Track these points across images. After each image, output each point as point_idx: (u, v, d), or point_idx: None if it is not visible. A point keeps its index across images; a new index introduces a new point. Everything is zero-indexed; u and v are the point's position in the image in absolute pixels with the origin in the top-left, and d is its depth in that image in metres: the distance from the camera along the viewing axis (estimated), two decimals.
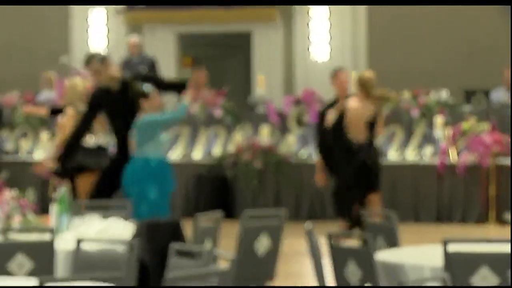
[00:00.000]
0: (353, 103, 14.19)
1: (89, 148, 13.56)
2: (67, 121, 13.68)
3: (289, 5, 22.17)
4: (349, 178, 13.91)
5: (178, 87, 13.23)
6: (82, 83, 14.10)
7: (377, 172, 14.16)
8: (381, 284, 7.74)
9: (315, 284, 8.84)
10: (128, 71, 20.20)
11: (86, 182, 13.14)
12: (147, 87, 12.52)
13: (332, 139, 14.22)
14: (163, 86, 13.14)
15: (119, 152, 12.87)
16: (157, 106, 13.04)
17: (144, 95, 12.33)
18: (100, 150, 13.63)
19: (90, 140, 13.62)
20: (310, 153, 19.22)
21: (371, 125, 14.16)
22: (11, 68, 21.75)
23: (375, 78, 14.39)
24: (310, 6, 22.22)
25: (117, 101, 12.33)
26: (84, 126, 12.75)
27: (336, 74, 15.20)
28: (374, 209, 13.19)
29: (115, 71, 12.56)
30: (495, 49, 20.56)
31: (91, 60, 12.55)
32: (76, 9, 22.97)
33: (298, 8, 22.36)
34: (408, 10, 21.00)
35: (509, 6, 20.37)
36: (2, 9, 21.86)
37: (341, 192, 14.14)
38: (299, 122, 19.55)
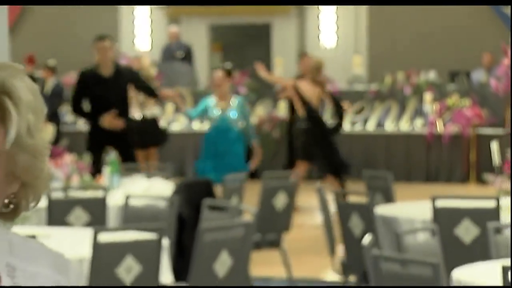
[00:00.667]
0: (304, 83, 14.08)
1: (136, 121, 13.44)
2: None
3: (298, 5, 22.16)
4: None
5: (150, 93, 12.66)
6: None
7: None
8: (379, 233, 7.66)
9: (324, 234, 8.78)
10: (168, 55, 20.21)
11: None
12: None
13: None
14: (150, 92, 12.59)
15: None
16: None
17: None
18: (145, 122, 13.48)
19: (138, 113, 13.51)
20: None
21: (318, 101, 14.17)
22: (70, 52, 21.65)
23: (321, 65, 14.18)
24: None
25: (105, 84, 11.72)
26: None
27: (303, 57, 15.09)
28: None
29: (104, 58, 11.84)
30: (475, 36, 20.47)
31: (94, 43, 11.91)
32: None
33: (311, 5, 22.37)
34: (403, 6, 20.89)
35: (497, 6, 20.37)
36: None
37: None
38: None
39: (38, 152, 2.05)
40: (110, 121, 11.36)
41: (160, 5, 22.40)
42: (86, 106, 11.65)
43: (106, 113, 11.33)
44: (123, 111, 11.57)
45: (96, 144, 11.28)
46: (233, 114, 12.14)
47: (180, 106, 14.02)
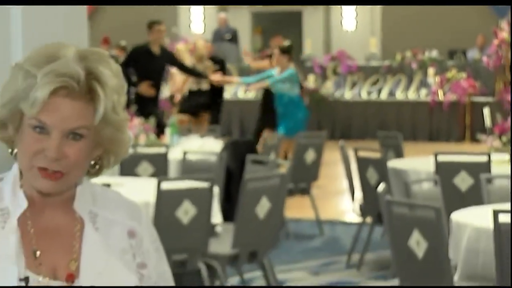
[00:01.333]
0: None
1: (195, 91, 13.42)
2: (176, 72, 13.65)
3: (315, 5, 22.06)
4: None
5: (194, 74, 12.78)
6: (185, 47, 14.02)
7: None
8: (391, 182, 7.64)
9: (346, 183, 8.76)
10: (218, 37, 20.17)
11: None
12: None
13: None
14: (185, 70, 12.73)
15: None
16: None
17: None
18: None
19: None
20: (342, 94, 19.20)
21: None
22: (138, 35, 21.62)
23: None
24: None
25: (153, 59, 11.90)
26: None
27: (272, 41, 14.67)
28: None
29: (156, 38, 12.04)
30: (470, 22, 20.33)
31: (152, 25, 12.08)
32: None
33: None
34: None
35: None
36: None
37: None
38: (334, 72, 19.45)
39: (120, 126, 2.05)
40: (145, 88, 11.72)
41: (212, 5, 22.40)
42: (133, 77, 11.91)
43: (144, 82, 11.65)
44: (159, 83, 11.87)
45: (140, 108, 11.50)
46: (283, 83, 12.11)
47: (229, 82, 13.93)
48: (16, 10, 3.09)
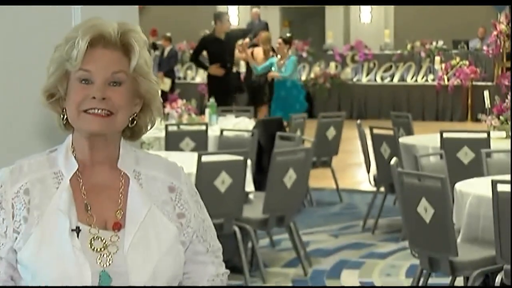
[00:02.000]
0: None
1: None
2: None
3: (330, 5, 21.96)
4: None
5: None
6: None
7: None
8: (402, 156, 7.61)
9: (362, 157, 8.74)
10: (252, 30, 20.12)
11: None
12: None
13: None
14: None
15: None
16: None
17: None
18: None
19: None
20: (359, 78, 19.16)
21: None
22: (181, 27, 21.66)
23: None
24: None
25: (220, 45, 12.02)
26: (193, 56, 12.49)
27: (259, 34, 14.45)
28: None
29: (226, 27, 12.23)
30: (472, 15, 20.16)
31: (218, 17, 12.27)
32: None
33: None
34: None
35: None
36: None
37: None
38: (353, 60, 19.39)
39: (153, 79, 2.07)
40: (215, 69, 11.77)
41: (245, 5, 22.33)
42: (204, 62, 12.25)
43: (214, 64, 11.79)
44: (227, 64, 11.86)
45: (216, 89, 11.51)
46: (285, 69, 12.22)
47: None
48: (76, 9, 3.10)
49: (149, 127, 2.12)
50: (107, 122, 1.99)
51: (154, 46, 18.01)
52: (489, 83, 17.16)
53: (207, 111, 9.13)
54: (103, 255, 1.99)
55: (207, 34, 12.70)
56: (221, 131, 8.17)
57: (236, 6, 22.98)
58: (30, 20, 3.03)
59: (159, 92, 2.11)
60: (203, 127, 8.29)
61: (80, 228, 1.99)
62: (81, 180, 2.05)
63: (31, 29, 3.03)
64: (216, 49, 11.80)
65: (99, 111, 1.98)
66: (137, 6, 3.25)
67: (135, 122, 2.09)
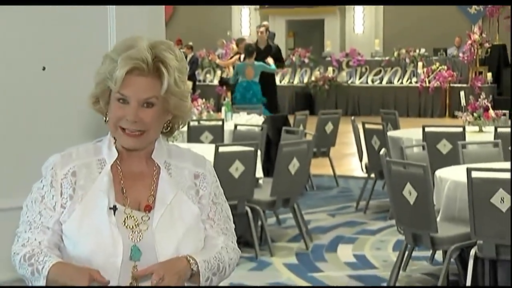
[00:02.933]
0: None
1: None
2: (226, 62, 13.43)
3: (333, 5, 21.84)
4: None
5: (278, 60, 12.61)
6: (236, 45, 13.94)
7: None
8: (390, 147, 7.58)
9: (356, 148, 8.71)
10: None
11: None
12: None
13: None
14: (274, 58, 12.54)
15: None
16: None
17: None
18: None
19: None
20: (353, 81, 19.11)
21: None
22: (201, 37, 21.65)
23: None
24: (355, 6, 21.84)
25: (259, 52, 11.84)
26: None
27: (240, 41, 14.22)
28: None
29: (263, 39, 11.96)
30: (450, 26, 20.06)
31: (260, 26, 12.19)
32: (235, 6, 22.94)
33: (348, 6, 22.00)
34: (407, 7, 20.54)
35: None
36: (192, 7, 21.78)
37: None
38: (347, 65, 19.34)
39: (183, 96, 2.08)
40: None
41: (258, 4, 22.27)
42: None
43: None
44: None
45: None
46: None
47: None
48: (111, 9, 3.09)
49: (181, 127, 2.15)
50: (140, 140, 2.04)
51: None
52: (464, 85, 17.11)
53: (223, 109, 9.12)
54: (135, 232, 2.01)
55: (250, 44, 12.18)
56: (235, 126, 8.15)
57: (248, 19, 22.93)
58: (70, 20, 3.01)
59: (190, 106, 2.12)
60: (220, 123, 8.28)
61: (117, 207, 2.02)
62: (120, 168, 2.08)
63: (72, 29, 3.01)
64: (256, 57, 11.62)
65: (131, 131, 2.02)
66: (163, 7, 3.24)
67: (168, 127, 2.12)
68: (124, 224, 2.01)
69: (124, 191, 2.05)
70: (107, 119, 2.07)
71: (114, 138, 2.09)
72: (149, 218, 2.03)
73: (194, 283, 2.04)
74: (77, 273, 1.94)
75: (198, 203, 2.10)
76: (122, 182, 2.06)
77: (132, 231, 2.01)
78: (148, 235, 2.01)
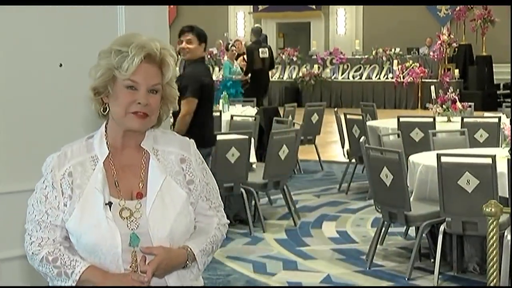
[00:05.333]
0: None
1: None
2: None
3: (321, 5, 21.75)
4: None
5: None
6: (235, 47, 13.79)
7: None
8: (369, 135, 7.56)
9: (338, 136, 8.70)
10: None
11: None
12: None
13: None
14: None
15: None
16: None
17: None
18: None
19: None
20: (336, 77, 19.07)
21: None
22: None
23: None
24: (338, 7, 21.72)
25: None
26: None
27: (236, 41, 14.22)
28: None
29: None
30: (422, 28, 20.01)
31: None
32: (231, 9, 22.79)
33: (331, 8, 21.88)
34: (384, 11, 20.47)
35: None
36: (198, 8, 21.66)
37: None
38: (331, 62, 19.28)
39: (175, 87, 2.07)
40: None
41: (255, 4, 22.17)
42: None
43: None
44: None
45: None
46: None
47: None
48: (120, 9, 3.06)
49: (165, 118, 2.10)
50: (145, 122, 2.00)
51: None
52: (435, 80, 17.07)
53: (220, 101, 9.08)
54: (131, 221, 1.98)
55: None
56: (231, 116, 8.13)
57: (243, 22, 22.81)
58: (83, 20, 2.99)
59: (178, 94, 2.10)
60: (218, 114, 8.23)
61: (112, 202, 1.98)
62: (112, 162, 2.02)
63: (85, 28, 2.99)
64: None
65: (141, 114, 1.98)
66: (166, 6, 3.22)
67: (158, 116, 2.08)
68: (120, 216, 1.98)
69: (117, 184, 2.00)
70: (108, 109, 2.01)
71: (106, 133, 2.04)
72: (141, 205, 1.99)
73: (193, 269, 2.06)
74: (113, 277, 1.94)
75: (186, 188, 2.06)
76: (114, 175, 2.01)
77: (129, 221, 1.98)
78: (143, 222, 1.98)
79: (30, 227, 2.03)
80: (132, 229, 1.98)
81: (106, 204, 1.98)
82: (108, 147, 2.03)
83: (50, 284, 2.02)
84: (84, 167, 2.01)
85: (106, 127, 2.06)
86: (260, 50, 12.37)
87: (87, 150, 2.04)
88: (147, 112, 1.98)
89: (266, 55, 12.34)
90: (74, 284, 1.95)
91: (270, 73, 13.10)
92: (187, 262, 2.02)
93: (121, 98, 1.98)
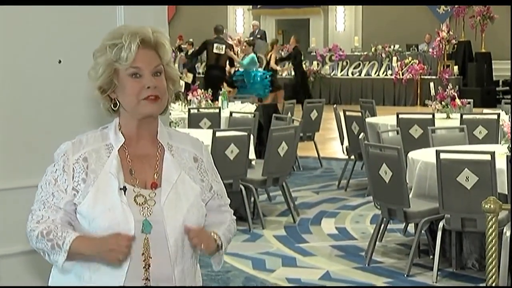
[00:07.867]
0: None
1: None
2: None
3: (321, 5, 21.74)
4: None
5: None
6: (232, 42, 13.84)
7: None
8: (368, 132, 7.56)
9: (337, 132, 8.69)
10: (253, 36, 19.99)
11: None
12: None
13: None
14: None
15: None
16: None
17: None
18: None
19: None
20: (335, 73, 19.06)
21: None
22: (201, 34, 21.53)
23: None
24: (337, 6, 21.74)
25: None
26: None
27: (273, 44, 14.56)
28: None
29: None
30: (421, 25, 20.00)
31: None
32: (230, 6, 22.80)
33: (330, 7, 21.88)
34: (383, 9, 20.46)
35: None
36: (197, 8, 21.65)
37: None
38: (330, 59, 19.28)
39: (176, 68, 2.10)
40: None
41: (252, 5, 22.17)
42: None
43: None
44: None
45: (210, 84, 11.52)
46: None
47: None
48: (120, 8, 3.06)
49: (170, 100, 2.12)
50: (158, 105, 2.02)
51: (179, 49, 17.91)
52: (434, 77, 17.09)
53: (220, 98, 9.09)
54: (145, 208, 2.00)
55: (209, 39, 12.50)
56: (231, 113, 8.13)
57: (242, 19, 22.80)
58: (83, 18, 2.99)
59: (179, 77, 2.13)
60: (217, 110, 8.25)
61: (126, 187, 2.01)
62: (127, 151, 2.05)
63: (85, 26, 2.99)
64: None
65: (154, 97, 2.00)
66: (166, 6, 3.22)
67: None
68: (135, 201, 2.00)
69: (133, 172, 2.03)
70: (118, 104, 2.04)
71: (120, 124, 2.07)
72: (155, 195, 2.02)
73: (217, 254, 2.11)
74: (100, 240, 1.94)
75: (199, 184, 2.11)
76: (130, 164, 2.04)
77: (142, 208, 2.00)
78: (156, 210, 2.01)
79: (35, 206, 2.06)
80: (145, 215, 2.00)
81: (120, 188, 2.00)
82: (123, 136, 2.07)
83: (47, 259, 2.04)
84: (99, 154, 2.05)
85: (119, 121, 2.08)
86: (215, 45, 12.47)
87: (102, 139, 2.08)
88: (157, 95, 2.01)
89: (222, 51, 12.47)
90: (65, 255, 1.97)
91: (232, 70, 13.17)
92: (217, 244, 2.08)
93: (129, 87, 2.00)
